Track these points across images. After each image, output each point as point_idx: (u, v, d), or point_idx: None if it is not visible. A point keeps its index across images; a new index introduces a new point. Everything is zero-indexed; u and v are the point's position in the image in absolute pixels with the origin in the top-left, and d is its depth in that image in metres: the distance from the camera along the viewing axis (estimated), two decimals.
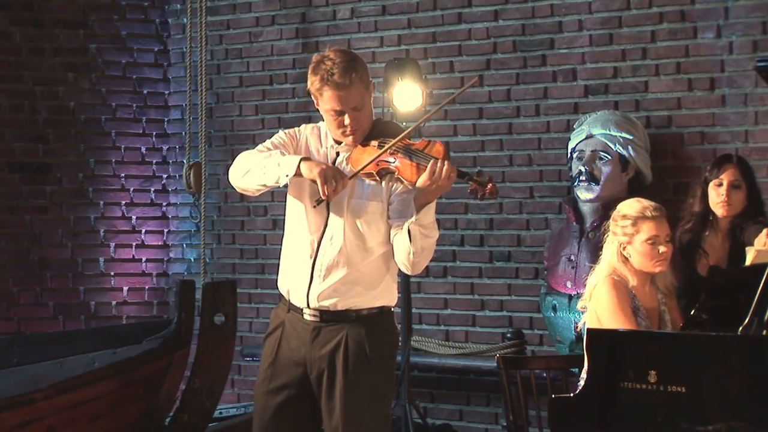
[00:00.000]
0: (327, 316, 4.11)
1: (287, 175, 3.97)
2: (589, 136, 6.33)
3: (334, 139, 4.17)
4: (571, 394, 4.30)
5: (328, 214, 4.11)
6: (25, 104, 7.66)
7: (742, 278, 4.33)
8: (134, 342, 5.87)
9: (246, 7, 7.72)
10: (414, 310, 6.83)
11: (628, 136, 6.27)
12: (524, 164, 6.83)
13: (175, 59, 7.95)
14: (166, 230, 7.95)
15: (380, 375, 4.13)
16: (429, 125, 6.93)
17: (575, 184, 6.36)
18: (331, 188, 3.92)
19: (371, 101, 4.15)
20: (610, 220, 4.82)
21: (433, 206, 4.00)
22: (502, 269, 6.89)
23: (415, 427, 6.34)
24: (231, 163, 4.24)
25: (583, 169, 6.30)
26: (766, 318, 3.88)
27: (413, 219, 3.95)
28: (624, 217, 4.76)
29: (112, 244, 7.81)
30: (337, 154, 4.16)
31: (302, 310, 4.14)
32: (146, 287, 7.87)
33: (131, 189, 7.88)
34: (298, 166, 3.95)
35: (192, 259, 7.84)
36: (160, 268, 7.92)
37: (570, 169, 6.45)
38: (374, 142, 4.10)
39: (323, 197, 3.95)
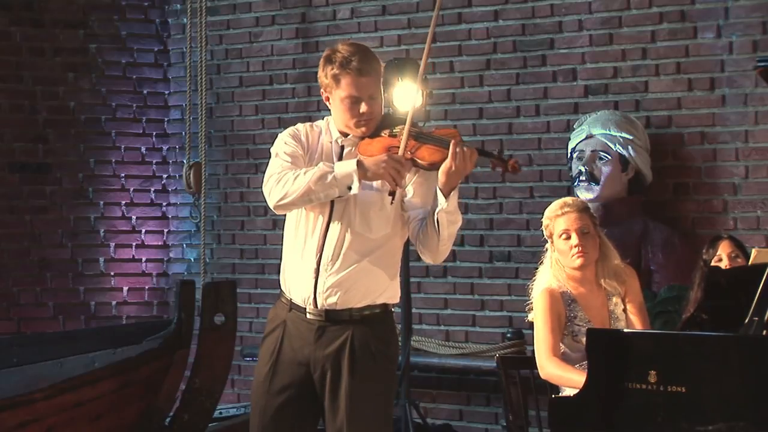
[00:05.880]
0: (332, 315, 4.07)
1: (350, 187, 3.94)
2: (589, 136, 6.34)
3: (341, 131, 4.13)
4: (571, 394, 4.30)
5: (332, 206, 4.06)
6: (25, 104, 7.66)
7: (742, 278, 4.33)
8: (134, 342, 5.86)
9: (246, 7, 7.72)
10: (414, 310, 6.83)
11: (628, 136, 6.27)
12: (524, 164, 6.83)
13: (175, 59, 7.95)
14: (166, 230, 7.95)
15: (385, 374, 4.11)
16: (429, 125, 6.92)
17: (575, 184, 6.36)
18: (400, 178, 3.92)
19: (382, 97, 4.13)
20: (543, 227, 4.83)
21: (457, 192, 3.97)
22: (502, 269, 6.89)
23: (415, 427, 6.34)
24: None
25: (583, 169, 6.31)
26: (766, 318, 3.88)
27: (443, 207, 3.93)
28: (546, 218, 4.78)
29: (112, 244, 7.81)
30: (342, 147, 4.13)
31: (305, 309, 4.10)
32: (146, 287, 7.88)
33: (131, 189, 7.88)
34: (360, 175, 3.92)
35: (192, 259, 7.84)
36: (160, 268, 7.92)
37: (570, 169, 6.45)
38: (384, 132, 4.07)
39: (394, 189, 3.93)
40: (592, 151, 6.32)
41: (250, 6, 7.72)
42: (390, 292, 4.15)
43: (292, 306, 4.14)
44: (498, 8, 6.90)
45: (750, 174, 6.26)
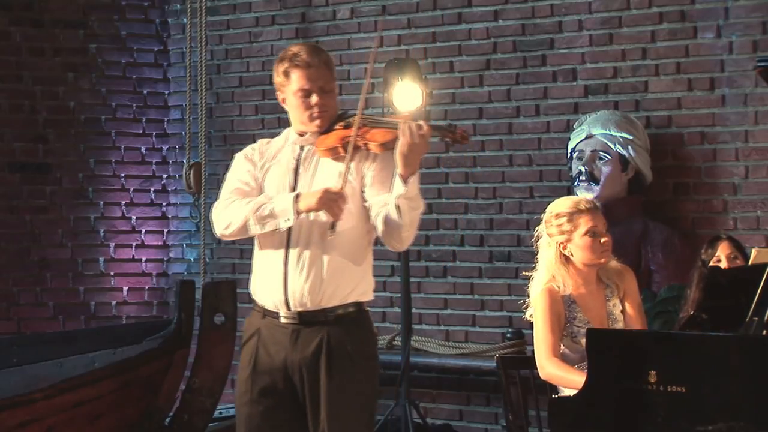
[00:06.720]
0: (305, 317, 4.05)
1: (287, 220, 3.99)
2: (589, 136, 6.34)
3: (298, 133, 4.16)
4: (571, 394, 4.30)
5: None
6: (25, 104, 7.67)
7: (742, 278, 4.33)
8: (134, 342, 5.87)
9: (246, 7, 7.73)
10: (414, 310, 6.83)
11: (628, 136, 6.27)
12: (524, 164, 6.83)
13: (175, 59, 7.95)
14: (166, 230, 7.95)
15: (364, 373, 4.08)
16: None
17: (575, 184, 6.37)
18: (338, 210, 3.94)
19: (336, 92, 4.17)
20: (542, 224, 4.75)
21: (417, 177, 3.95)
22: (502, 269, 6.88)
23: (415, 427, 6.34)
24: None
25: (583, 169, 6.31)
26: (766, 318, 3.88)
27: (402, 192, 3.91)
28: (558, 215, 4.69)
29: (112, 244, 7.81)
30: (301, 148, 4.14)
31: (278, 314, 4.10)
32: (146, 287, 7.88)
33: (131, 189, 7.88)
34: (297, 209, 3.97)
35: (192, 259, 7.85)
36: (160, 268, 7.93)
37: (570, 169, 6.46)
38: (338, 125, 4.10)
39: (336, 220, 3.96)
40: (592, 151, 6.33)
41: (250, 6, 7.72)
42: (362, 288, 4.11)
43: (266, 312, 4.15)
44: (498, 8, 6.90)
45: (750, 174, 6.26)
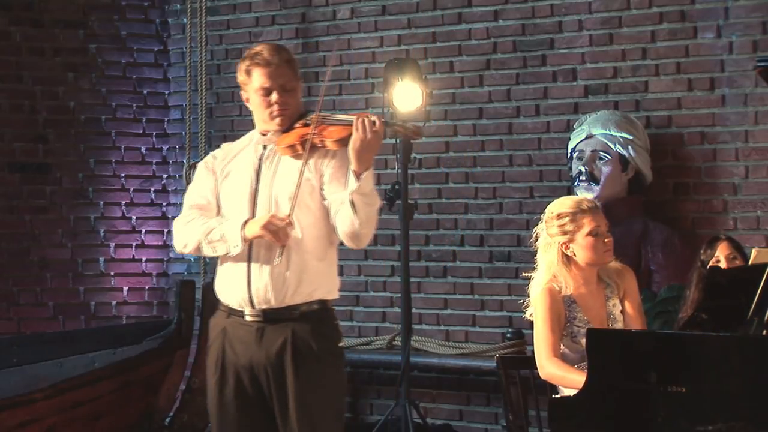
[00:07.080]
0: (270, 315, 4.07)
1: (236, 246, 4.04)
2: (589, 136, 6.34)
3: (261, 132, 4.21)
4: (571, 394, 4.30)
5: (255, 204, 4.11)
6: (25, 104, 7.67)
7: (742, 278, 4.33)
8: (134, 342, 5.88)
9: (246, 7, 7.73)
10: (414, 310, 6.82)
11: (628, 136, 6.27)
12: (524, 164, 6.83)
13: (175, 59, 7.95)
14: (166, 230, 7.95)
15: (330, 371, 4.10)
16: (429, 125, 6.92)
17: (575, 184, 6.37)
18: (284, 235, 3.98)
19: (300, 92, 4.22)
20: (542, 224, 4.73)
21: (371, 173, 3.99)
22: (502, 269, 6.88)
23: (415, 427, 6.34)
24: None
25: (583, 169, 6.31)
26: (766, 318, 3.88)
27: (354, 188, 3.94)
28: (560, 216, 4.67)
29: (112, 244, 7.81)
30: (264, 147, 4.19)
31: (243, 312, 4.10)
32: (146, 287, 7.88)
33: (131, 189, 7.88)
34: (243, 236, 4.02)
35: (192, 259, 7.84)
36: (160, 268, 7.92)
37: (570, 169, 6.46)
38: (298, 124, 4.15)
39: (281, 245, 4.00)
40: (592, 151, 6.33)
41: (250, 6, 7.72)
42: (326, 286, 4.14)
43: (231, 312, 4.15)
44: (498, 8, 6.90)
45: (750, 174, 6.26)
